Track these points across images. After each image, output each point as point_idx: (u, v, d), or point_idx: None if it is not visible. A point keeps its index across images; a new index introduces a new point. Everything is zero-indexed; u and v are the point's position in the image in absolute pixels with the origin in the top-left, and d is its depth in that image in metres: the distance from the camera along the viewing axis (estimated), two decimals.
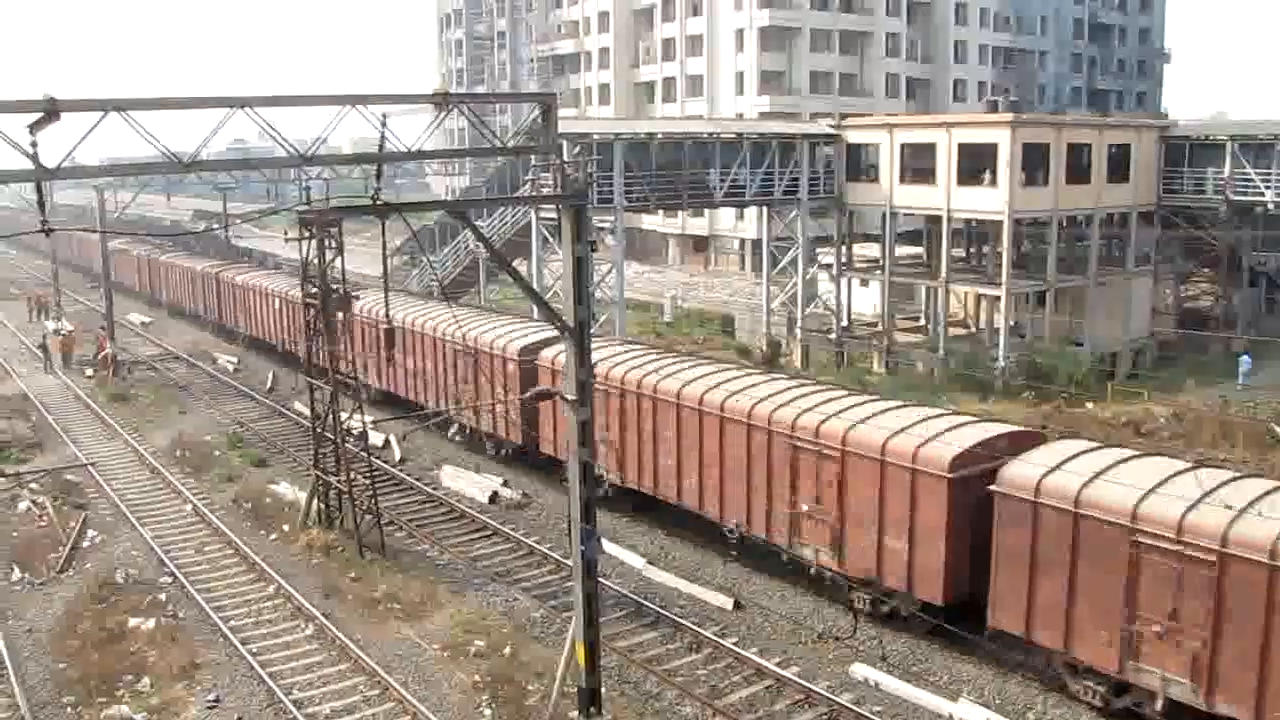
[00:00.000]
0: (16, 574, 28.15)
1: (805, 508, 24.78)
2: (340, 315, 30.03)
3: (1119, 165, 51.72)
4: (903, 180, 51.24)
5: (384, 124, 17.09)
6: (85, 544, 30.42)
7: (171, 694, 21.84)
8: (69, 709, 21.46)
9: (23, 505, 33.41)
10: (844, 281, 56.12)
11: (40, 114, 13.66)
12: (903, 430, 23.19)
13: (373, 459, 31.90)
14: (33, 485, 34.70)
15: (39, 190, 14.39)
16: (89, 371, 53.34)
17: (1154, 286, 56.16)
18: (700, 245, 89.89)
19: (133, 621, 25.02)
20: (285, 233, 31.49)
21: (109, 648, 23.78)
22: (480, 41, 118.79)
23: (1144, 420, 39.76)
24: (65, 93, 13.69)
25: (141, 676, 22.55)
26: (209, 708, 21.34)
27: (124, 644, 24.01)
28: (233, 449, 39.49)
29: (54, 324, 66.36)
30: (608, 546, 27.18)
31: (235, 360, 55.68)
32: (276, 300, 52.85)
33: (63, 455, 39.17)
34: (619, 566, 27.64)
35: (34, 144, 13.76)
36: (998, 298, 49.32)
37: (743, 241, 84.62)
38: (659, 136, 49.50)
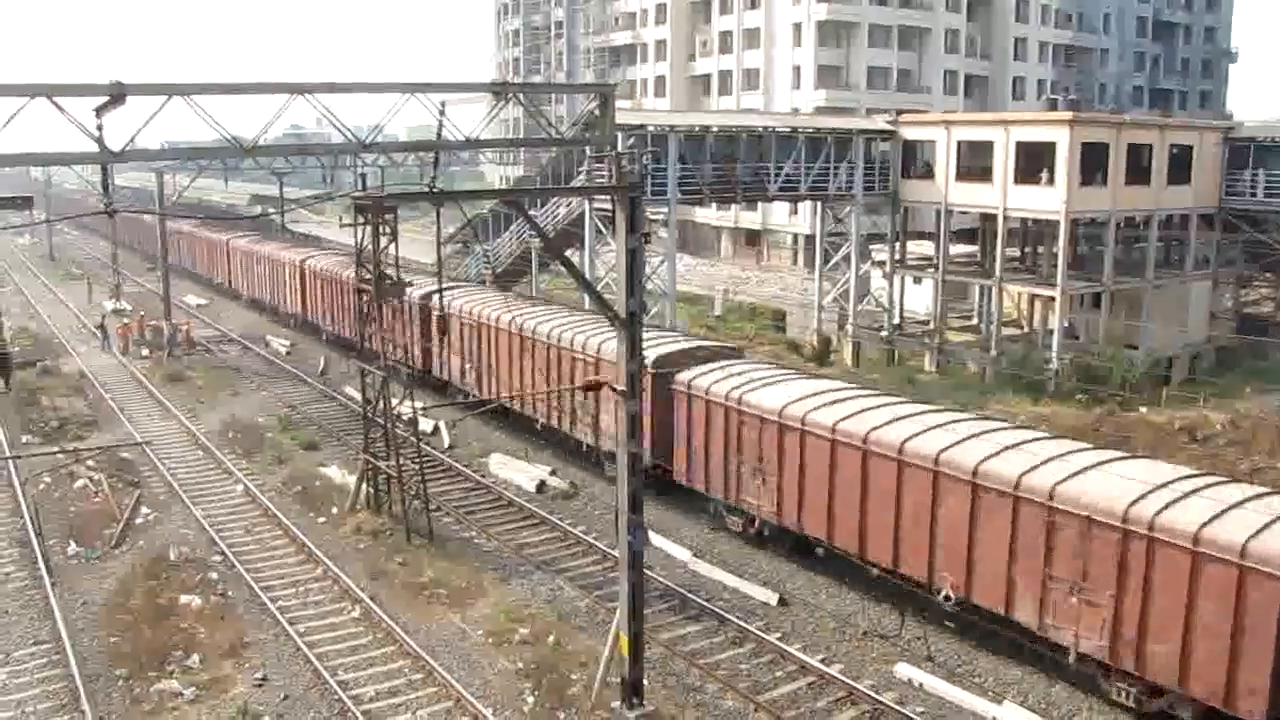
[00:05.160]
0: (73, 548, 28.66)
1: None
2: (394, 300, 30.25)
3: (1180, 166, 50.94)
4: (959, 178, 50.80)
5: (442, 112, 17.23)
6: (139, 521, 30.89)
7: (220, 671, 22.16)
8: (120, 681, 21.82)
9: (79, 482, 34.00)
10: (897, 279, 55.79)
11: (106, 98, 13.90)
12: None
13: (422, 445, 32.10)
14: (89, 462, 35.26)
15: (104, 172, 14.63)
16: (145, 352, 54.09)
17: (1213, 290, 55.31)
18: (753, 239, 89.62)
19: (183, 599, 25.39)
20: (340, 218, 31.76)
21: (160, 623, 24.15)
22: (537, 32, 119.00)
23: (1199, 426, 39.18)
24: (126, 78, 13.91)
25: (191, 653, 22.87)
26: (256, 685, 21.62)
27: (175, 620, 24.38)
28: (284, 432, 39.91)
29: (112, 303, 67.60)
30: (654, 538, 27.20)
31: (288, 344, 56.27)
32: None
33: (118, 434, 39.80)
34: (665, 559, 27.65)
35: (99, 127, 14.01)
36: (1052, 298, 48.79)
37: (795, 236, 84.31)
38: (714, 129, 49.37)
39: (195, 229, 78.51)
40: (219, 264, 74.85)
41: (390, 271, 29.73)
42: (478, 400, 39.22)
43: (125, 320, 57.89)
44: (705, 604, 24.94)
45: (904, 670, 21.94)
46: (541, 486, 33.49)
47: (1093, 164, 47.44)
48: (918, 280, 58.32)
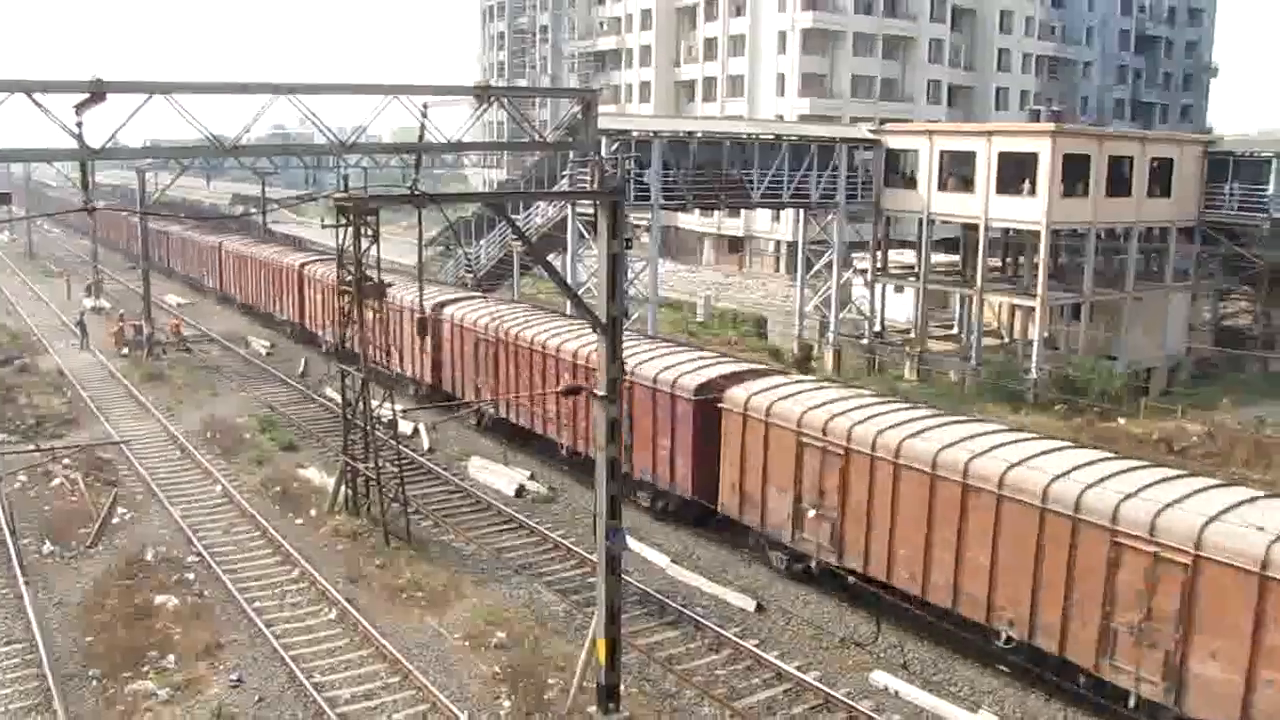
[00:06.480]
0: (48, 547, 28.47)
1: None
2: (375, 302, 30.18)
3: (1160, 179, 51.30)
4: (941, 187, 51.02)
5: (424, 115, 17.22)
6: (115, 520, 30.71)
7: (195, 672, 22.04)
8: (94, 682, 21.68)
9: (56, 480, 33.79)
10: (878, 287, 55.96)
11: (87, 95, 13.84)
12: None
13: (401, 447, 32.02)
14: (66, 461, 35.06)
15: (83, 170, 14.57)
16: (124, 350, 53.81)
17: (1192, 303, 55.69)
18: (735, 246, 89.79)
19: (159, 599, 25.25)
20: (322, 219, 31.70)
21: (136, 624, 24.01)
22: (522, 35, 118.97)
23: (1177, 437, 39.42)
24: (108, 76, 13.86)
25: (166, 654, 22.74)
26: (231, 687, 21.51)
27: (150, 621, 24.24)
28: (263, 432, 39.73)
29: (91, 301, 67.23)
30: (632, 544, 27.13)
31: (268, 345, 56.07)
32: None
33: (96, 432, 39.57)
34: (643, 564, 27.62)
35: (79, 124, 13.96)
36: (1032, 309, 49.04)
37: (778, 243, 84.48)
38: (698, 135, 49.45)
39: (242, 247, 66.67)
40: (286, 297, 57.64)
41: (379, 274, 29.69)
42: (462, 403, 39.13)
43: (120, 323, 57.36)
44: (683, 610, 24.93)
45: (880, 678, 21.97)
46: (521, 491, 33.45)
47: (1074, 175, 47.72)
48: (899, 289, 58.55)
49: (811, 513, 24.98)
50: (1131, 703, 19.53)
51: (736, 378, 28.50)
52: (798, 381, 28.51)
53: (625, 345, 29.78)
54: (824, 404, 25.52)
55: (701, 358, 31.00)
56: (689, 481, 28.63)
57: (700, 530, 29.45)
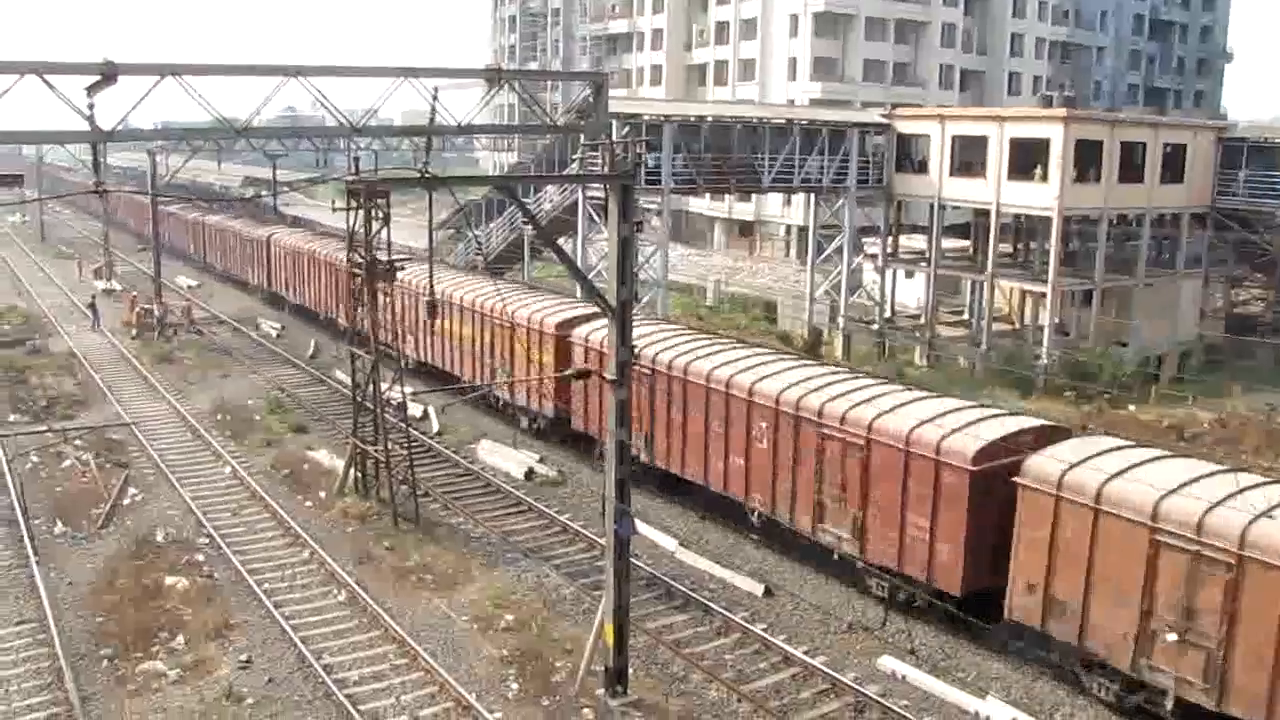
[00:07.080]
0: (59, 527, 28.61)
1: None
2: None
3: (1173, 165, 51.05)
4: (952, 172, 50.80)
5: (435, 97, 17.20)
6: (126, 501, 30.85)
7: (205, 652, 22.15)
8: (105, 661, 21.81)
9: (67, 461, 33.94)
10: (889, 272, 55.82)
11: (98, 77, 13.84)
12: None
13: (411, 430, 32.05)
14: (77, 441, 35.21)
15: (94, 151, 14.58)
16: (134, 332, 53.96)
17: (1203, 289, 55.46)
18: (745, 230, 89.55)
19: (169, 580, 25.37)
20: (333, 202, 31.72)
21: (146, 604, 24.14)
22: (534, 18, 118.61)
23: (1187, 424, 39.31)
24: (119, 58, 13.85)
25: (176, 634, 22.87)
26: (240, 667, 21.62)
27: (160, 601, 24.36)
28: (272, 414, 39.83)
29: (102, 283, 67.42)
30: (641, 527, 27.22)
31: (279, 326, 56.16)
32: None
33: (107, 414, 39.70)
34: (651, 547, 27.67)
35: (91, 106, 13.97)
36: (1043, 295, 48.88)
37: (788, 228, 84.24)
38: (709, 119, 49.31)
39: (299, 241, 58.44)
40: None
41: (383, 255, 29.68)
42: (469, 386, 39.14)
43: (135, 303, 57.43)
44: (691, 593, 24.96)
45: (888, 663, 22.00)
46: (530, 474, 33.48)
47: (1086, 161, 47.52)
48: (910, 274, 58.40)
49: (1170, 636, 18.63)
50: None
51: (1028, 439, 22.12)
52: (1129, 448, 21.37)
53: (821, 382, 25.75)
54: (1187, 485, 18.87)
55: (979, 408, 24.51)
56: (957, 573, 22.30)
57: (709, 514, 29.26)
